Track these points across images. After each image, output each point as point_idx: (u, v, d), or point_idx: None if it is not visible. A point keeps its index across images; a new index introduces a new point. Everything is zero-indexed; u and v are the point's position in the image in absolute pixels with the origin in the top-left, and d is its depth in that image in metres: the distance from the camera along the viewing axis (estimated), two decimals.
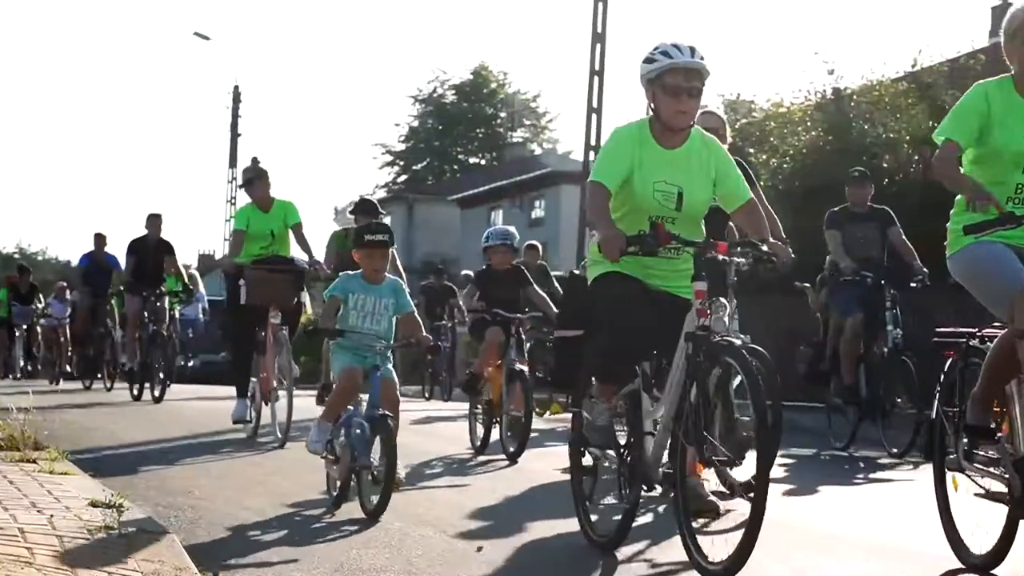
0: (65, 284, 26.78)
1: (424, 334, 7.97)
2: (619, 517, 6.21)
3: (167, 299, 17.40)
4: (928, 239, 10.00)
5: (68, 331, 24.32)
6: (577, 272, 10.08)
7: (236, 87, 46.47)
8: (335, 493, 7.56)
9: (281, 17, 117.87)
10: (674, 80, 6.11)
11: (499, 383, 10.98)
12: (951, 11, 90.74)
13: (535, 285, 11.63)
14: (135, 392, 17.22)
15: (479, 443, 11.13)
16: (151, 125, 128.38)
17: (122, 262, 18.83)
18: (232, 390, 12.38)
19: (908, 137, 19.01)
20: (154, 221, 17.68)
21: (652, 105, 6.22)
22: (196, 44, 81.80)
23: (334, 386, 7.91)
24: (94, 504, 6.39)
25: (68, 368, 24.37)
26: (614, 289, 6.20)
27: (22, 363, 25.64)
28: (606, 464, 6.42)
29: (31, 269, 27.95)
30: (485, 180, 54.30)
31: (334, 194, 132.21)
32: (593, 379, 6.53)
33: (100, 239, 20.12)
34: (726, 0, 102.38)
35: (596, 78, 25.73)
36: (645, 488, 6.02)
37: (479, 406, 11.24)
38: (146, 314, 17.06)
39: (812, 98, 20.87)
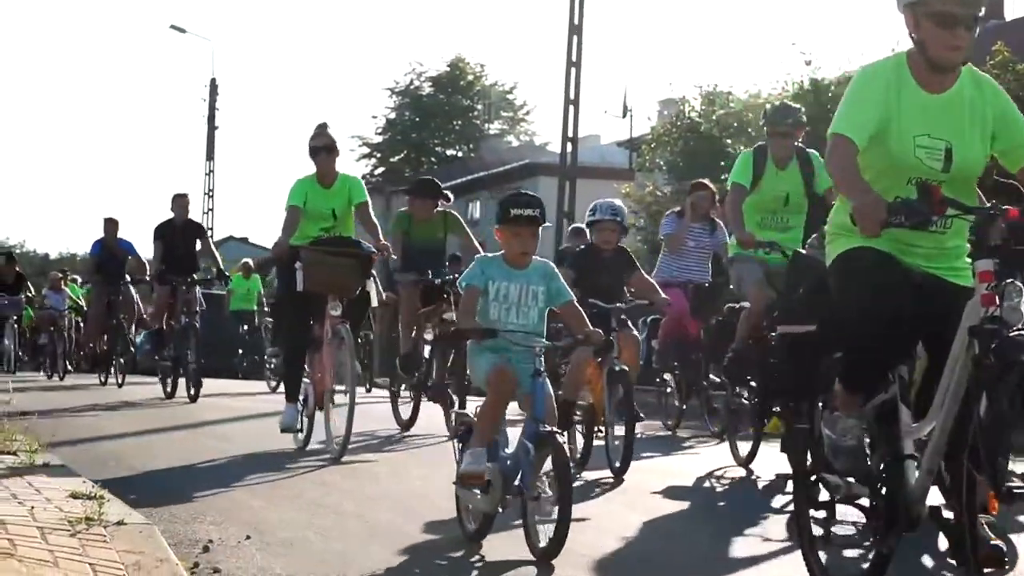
0: (60, 275, 25.63)
1: (594, 329, 6.54)
2: (866, 566, 5.00)
3: (198, 288, 15.98)
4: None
5: (68, 323, 23.50)
6: (803, 250, 8.82)
7: (213, 79, 46.36)
8: (472, 527, 6.33)
9: (257, 10, 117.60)
10: (946, 7, 4.84)
11: (599, 386, 8.98)
12: None
13: (641, 270, 9.75)
14: (168, 390, 15.74)
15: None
16: (127, 118, 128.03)
17: (139, 248, 18.24)
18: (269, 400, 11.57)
19: None
20: (180, 201, 16.29)
21: (915, 36, 4.95)
22: (172, 37, 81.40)
23: (487, 392, 6.30)
24: (75, 496, 6.39)
25: (68, 364, 23.26)
26: (868, 269, 4.92)
27: (15, 355, 24.08)
28: (842, 494, 5.06)
29: (16, 257, 26.21)
30: (462, 172, 54.26)
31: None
32: (837, 386, 5.13)
33: (111, 224, 18.64)
34: None
35: (573, 69, 25.75)
36: (906, 529, 4.78)
37: (578, 413, 9.10)
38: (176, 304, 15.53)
39: (790, 89, 20.95)
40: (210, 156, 45.48)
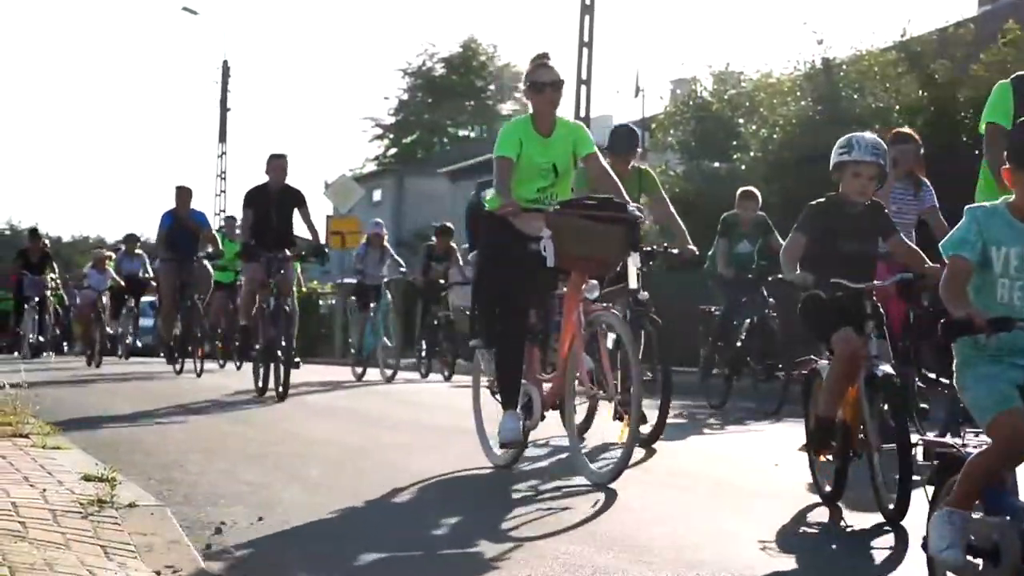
0: (107, 253, 23.46)
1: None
2: None
3: (293, 265, 14.16)
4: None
5: (108, 304, 21.81)
6: None
7: (225, 62, 46.36)
8: None
9: None
10: None
11: (853, 397, 6.51)
12: None
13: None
14: (260, 384, 13.45)
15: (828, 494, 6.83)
16: (140, 100, 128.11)
17: (212, 220, 17.42)
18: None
19: (898, 107, 19.02)
20: (277, 163, 13.82)
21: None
22: (184, 19, 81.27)
23: (991, 441, 4.16)
24: (87, 478, 6.41)
25: (108, 345, 21.99)
26: None
27: (32, 339, 22.83)
28: None
29: (42, 235, 24.46)
30: (475, 152, 54.20)
31: (324, 168, 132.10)
32: None
33: (183, 194, 17.10)
34: None
35: (585, 50, 25.71)
36: None
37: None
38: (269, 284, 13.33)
39: (801, 68, 20.86)
40: (222, 138, 45.52)
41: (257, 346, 13.72)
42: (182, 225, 16.98)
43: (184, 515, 6.06)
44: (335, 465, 8.27)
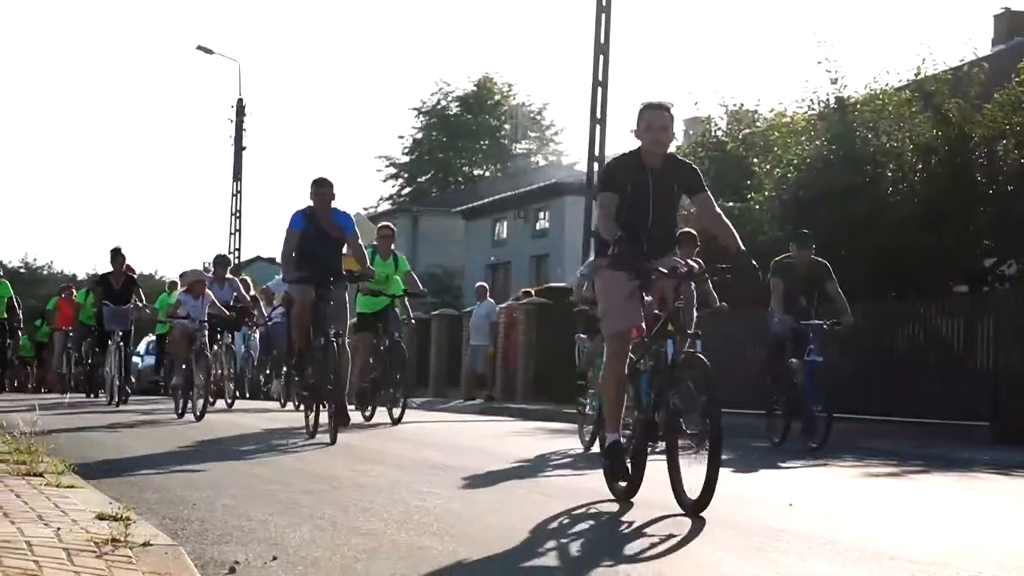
0: (206, 275, 19.38)
1: None
2: None
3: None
4: (928, 249, 10.05)
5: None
6: None
7: (240, 100, 46.49)
8: None
9: (284, 30, 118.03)
10: None
11: None
12: (954, 19, 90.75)
13: None
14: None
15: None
16: (155, 138, 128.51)
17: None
18: None
19: (911, 146, 19.02)
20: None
21: None
22: (199, 58, 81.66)
23: None
24: (101, 517, 6.39)
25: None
26: None
27: (118, 382, 19.22)
28: None
29: (124, 255, 20.53)
30: (489, 192, 54.32)
31: (338, 207, 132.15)
32: None
33: (323, 187, 13.36)
34: (729, 9, 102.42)
35: (599, 89, 25.76)
36: None
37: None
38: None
39: (816, 107, 20.89)
40: (237, 177, 45.61)
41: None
42: (318, 228, 13.33)
43: (198, 554, 6.05)
44: (350, 504, 8.24)
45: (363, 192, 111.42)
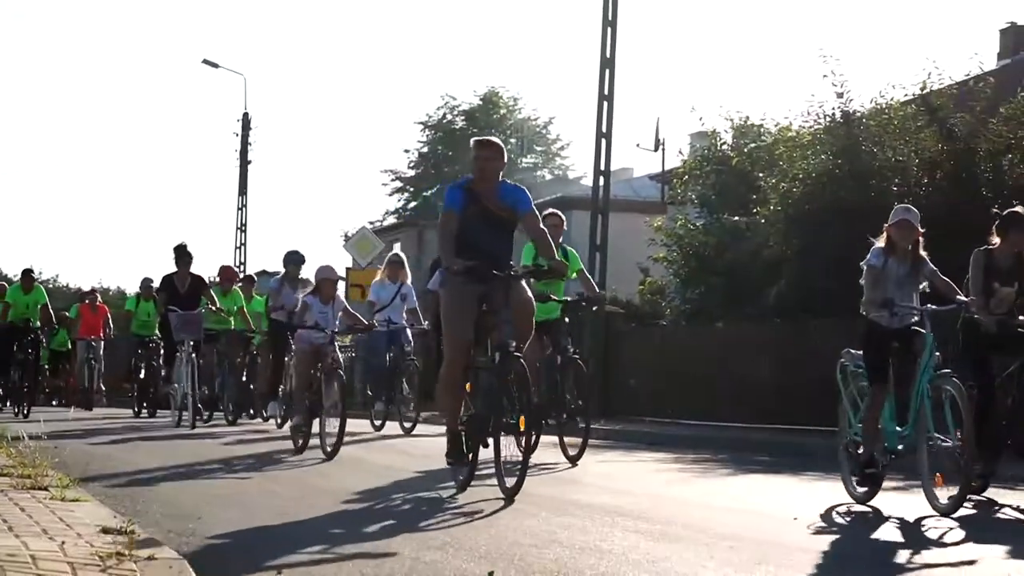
0: (338, 276, 14.32)
1: None
2: None
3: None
4: (935, 262, 10.04)
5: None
6: None
7: (246, 114, 46.43)
8: None
9: (289, 44, 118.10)
10: None
11: None
12: (960, 34, 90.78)
13: None
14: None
15: None
16: (161, 152, 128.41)
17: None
18: None
19: (917, 160, 19.02)
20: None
21: None
22: (205, 72, 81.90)
23: None
24: (105, 530, 6.39)
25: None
26: None
27: (191, 397, 17.02)
28: None
29: (191, 253, 17.98)
30: None
31: (344, 221, 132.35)
32: None
33: (486, 149, 10.27)
34: (734, 23, 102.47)
35: (605, 103, 25.75)
36: None
37: None
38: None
39: (821, 121, 20.88)
40: (243, 191, 45.60)
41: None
42: (479, 204, 10.01)
43: (203, 567, 6.04)
44: (358, 517, 8.24)
45: (369, 206, 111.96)
